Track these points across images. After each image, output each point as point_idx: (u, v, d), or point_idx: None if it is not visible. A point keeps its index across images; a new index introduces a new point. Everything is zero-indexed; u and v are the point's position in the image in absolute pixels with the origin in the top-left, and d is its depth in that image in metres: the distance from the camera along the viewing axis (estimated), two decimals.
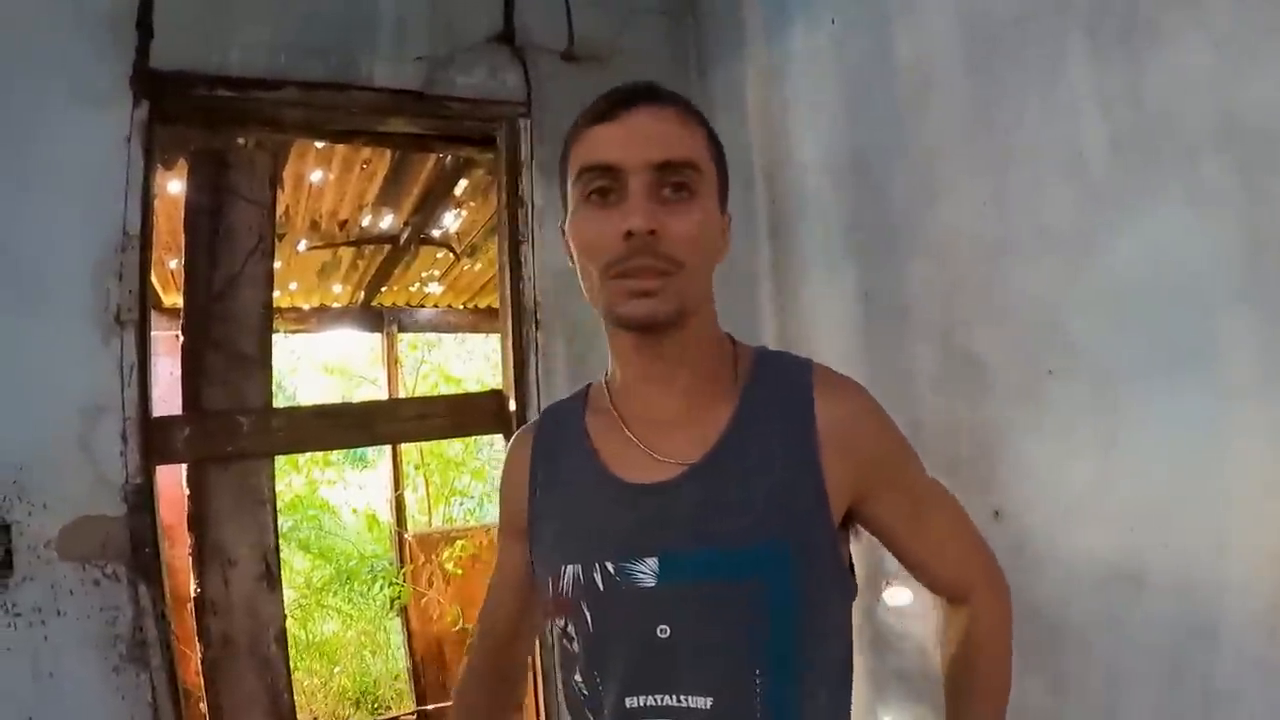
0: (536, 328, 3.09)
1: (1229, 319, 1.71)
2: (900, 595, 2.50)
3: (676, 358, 1.25)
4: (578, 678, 1.27)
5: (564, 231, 1.30)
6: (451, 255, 6.60)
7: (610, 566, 1.20)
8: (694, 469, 1.21)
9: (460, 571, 7.51)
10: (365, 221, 5.80)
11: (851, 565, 1.30)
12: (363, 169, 4.83)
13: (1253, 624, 1.67)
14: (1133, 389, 1.91)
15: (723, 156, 1.29)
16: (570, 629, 1.24)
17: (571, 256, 1.28)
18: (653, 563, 1.18)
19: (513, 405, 3.08)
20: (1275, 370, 1.65)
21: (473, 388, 10.38)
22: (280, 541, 3.12)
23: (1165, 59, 1.82)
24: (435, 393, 9.73)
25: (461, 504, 10.42)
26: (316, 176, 4.88)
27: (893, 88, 2.56)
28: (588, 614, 1.21)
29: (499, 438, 3.26)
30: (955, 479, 2.25)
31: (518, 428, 2.99)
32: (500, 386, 3.22)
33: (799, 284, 2.94)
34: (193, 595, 2.82)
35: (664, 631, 1.16)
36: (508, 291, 3.15)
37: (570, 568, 1.24)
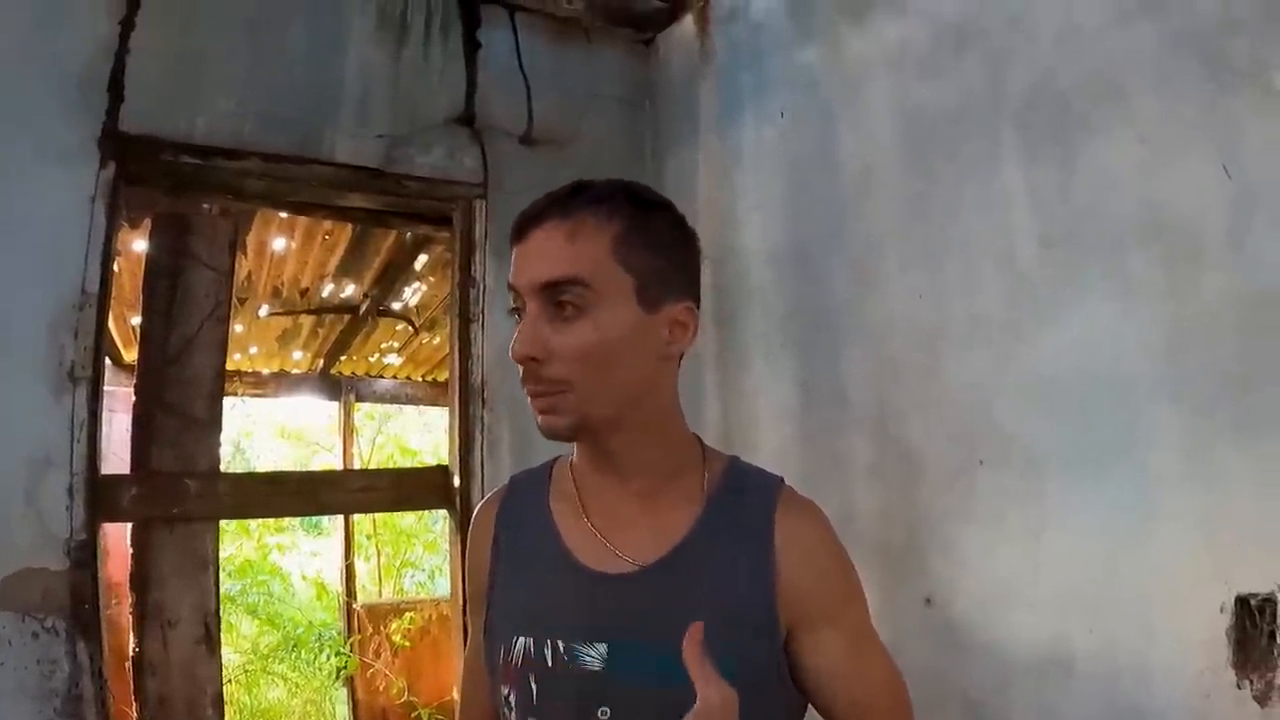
0: (483, 406, 3.09)
1: (1153, 410, 1.77)
2: None
3: (625, 461, 1.26)
4: None
5: None
6: (410, 328, 6.64)
7: (561, 645, 1.21)
8: (651, 567, 1.22)
9: (408, 644, 7.46)
10: (326, 291, 5.84)
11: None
12: (324, 239, 4.87)
13: (1179, 710, 1.70)
14: (1061, 478, 1.96)
15: (660, 248, 1.22)
16: (512, 699, 1.24)
17: None
18: (602, 648, 1.19)
19: (457, 481, 3.07)
20: (1197, 459, 1.70)
21: (430, 461, 10.36)
22: (228, 606, 3.09)
23: (1093, 155, 1.90)
24: (391, 464, 9.71)
25: (413, 576, 10.35)
26: (279, 244, 4.92)
27: (835, 180, 2.62)
28: (533, 687, 1.21)
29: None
30: (887, 567, 2.30)
31: (461, 503, 3.01)
32: (446, 462, 3.23)
33: (742, 371, 2.96)
34: (131, 654, 2.79)
35: (605, 714, 1.17)
36: (457, 369, 3.16)
37: (522, 639, 1.24)
